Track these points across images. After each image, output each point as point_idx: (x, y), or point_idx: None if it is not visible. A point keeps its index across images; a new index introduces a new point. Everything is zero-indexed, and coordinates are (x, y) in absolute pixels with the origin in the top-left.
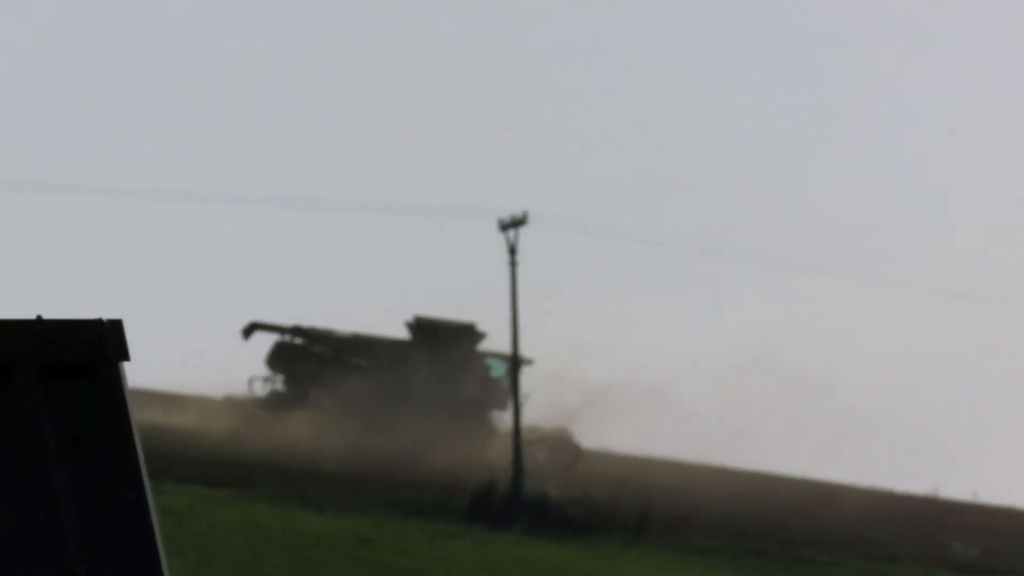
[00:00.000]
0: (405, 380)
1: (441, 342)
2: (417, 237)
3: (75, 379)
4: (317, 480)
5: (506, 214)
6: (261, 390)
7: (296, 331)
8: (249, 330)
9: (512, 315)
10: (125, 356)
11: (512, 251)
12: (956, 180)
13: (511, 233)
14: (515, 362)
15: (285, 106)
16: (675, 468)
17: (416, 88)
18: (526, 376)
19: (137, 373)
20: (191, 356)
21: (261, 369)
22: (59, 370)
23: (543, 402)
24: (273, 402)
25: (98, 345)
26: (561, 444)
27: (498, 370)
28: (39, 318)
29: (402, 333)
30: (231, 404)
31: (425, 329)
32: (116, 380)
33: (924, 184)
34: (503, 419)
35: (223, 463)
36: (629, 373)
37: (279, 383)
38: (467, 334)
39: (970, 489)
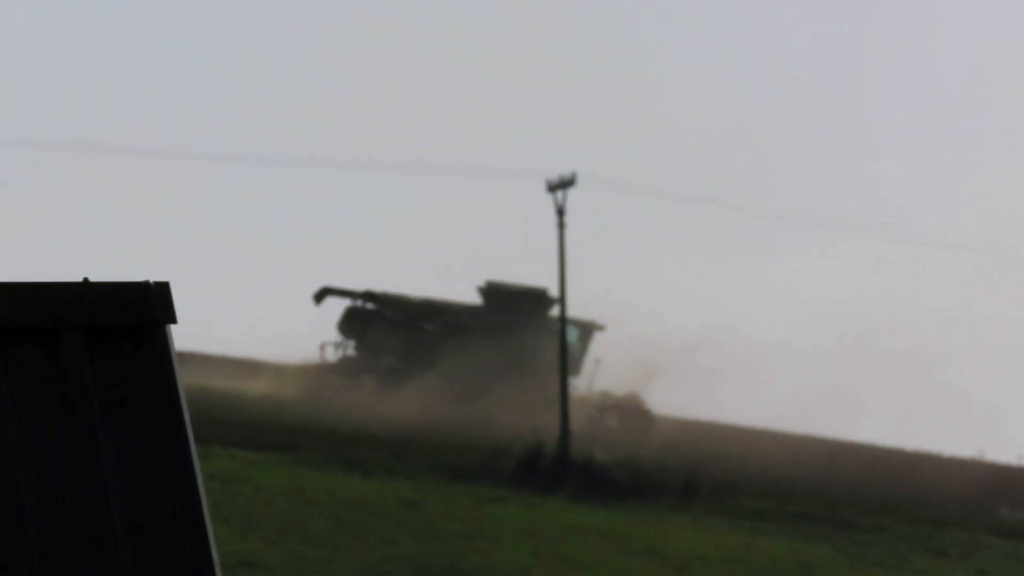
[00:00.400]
0: (478, 345)
1: (513, 307)
2: (466, 199)
3: (121, 341)
4: (363, 443)
5: (554, 175)
6: (333, 356)
7: (368, 296)
8: (321, 295)
9: (560, 277)
10: (172, 319)
11: (560, 212)
12: (994, 139)
13: (559, 194)
14: (563, 323)
15: (327, 67)
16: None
17: (459, 51)
18: (598, 341)
19: (212, 339)
20: (264, 322)
21: (333, 334)
22: (105, 332)
23: (616, 367)
24: (345, 368)
25: (145, 307)
26: (632, 411)
27: (571, 335)
28: (85, 280)
29: (473, 298)
30: (303, 370)
31: (497, 294)
32: (162, 343)
33: (962, 144)
34: (576, 385)
35: (268, 427)
36: (698, 336)
37: (351, 348)
38: (539, 299)
39: (1016, 453)
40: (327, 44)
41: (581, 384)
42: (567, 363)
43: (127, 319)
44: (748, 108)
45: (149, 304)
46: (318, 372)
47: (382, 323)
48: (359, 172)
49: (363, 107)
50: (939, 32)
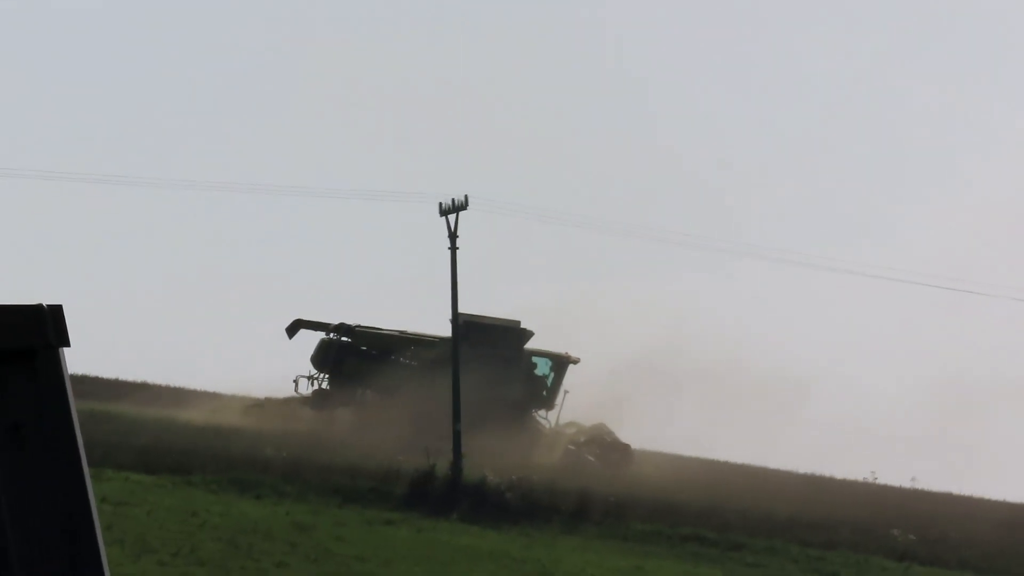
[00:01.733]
0: (450, 379)
1: (488, 340)
2: (364, 223)
3: (14, 364)
4: (255, 466)
5: (447, 198)
6: (305, 389)
7: (341, 329)
8: (294, 328)
9: (453, 300)
10: (65, 342)
11: (452, 236)
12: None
13: (451, 218)
14: (455, 352)
15: (241, 94)
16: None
17: (362, 77)
18: (570, 375)
19: (178, 374)
20: (230, 357)
21: (306, 368)
22: None
23: (582, 397)
24: (318, 400)
25: (39, 330)
26: (610, 444)
27: (543, 368)
28: None
29: (446, 330)
30: (276, 404)
31: (472, 327)
32: (56, 366)
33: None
34: (547, 418)
35: (160, 450)
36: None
37: (325, 381)
38: (514, 333)
39: (908, 476)
40: (233, 74)
41: (552, 416)
42: (458, 386)
43: (20, 342)
44: (634, 134)
45: (43, 327)
46: (289, 405)
47: (356, 356)
48: (252, 195)
49: (247, 132)
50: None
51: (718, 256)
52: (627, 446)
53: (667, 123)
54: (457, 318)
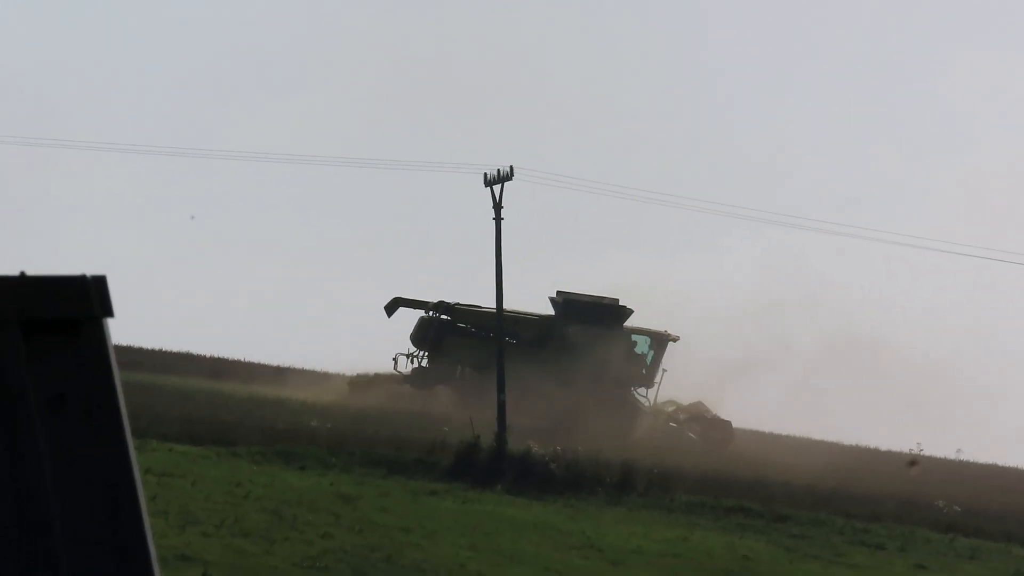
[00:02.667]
0: (551, 357)
1: (587, 318)
2: (409, 193)
3: (59, 335)
4: (300, 438)
5: (492, 169)
6: (406, 367)
7: (440, 307)
8: (392, 306)
9: (497, 271)
10: (109, 312)
11: (497, 207)
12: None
13: (496, 188)
14: (499, 320)
15: (272, 66)
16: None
17: (396, 49)
18: (669, 353)
19: (281, 352)
20: (334, 336)
21: (405, 346)
22: (43, 326)
23: (680, 375)
24: (418, 378)
25: (82, 301)
26: (712, 421)
27: (643, 346)
28: (22, 274)
29: (544, 308)
30: (375, 381)
31: (569, 305)
32: (100, 337)
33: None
34: (647, 396)
35: (206, 421)
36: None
37: (424, 359)
38: (613, 310)
39: (954, 447)
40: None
41: (650, 395)
42: (503, 357)
43: (65, 313)
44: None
45: (87, 298)
46: (391, 383)
47: (456, 334)
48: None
49: (293, 101)
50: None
51: (774, 227)
52: (728, 423)
53: (720, 91)
54: (501, 290)
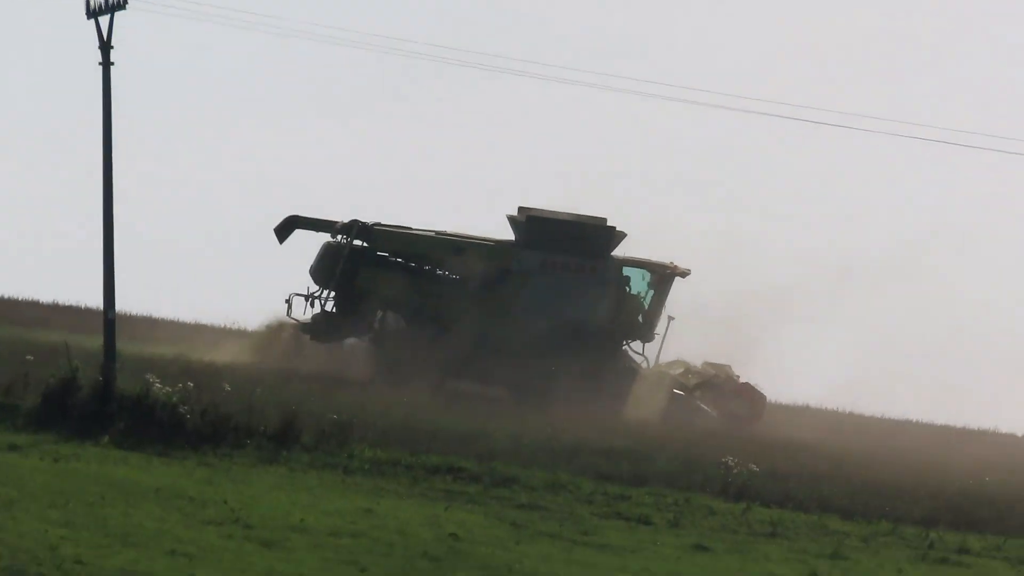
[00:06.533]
0: (511, 299)
1: (562, 244)
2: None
3: None
4: None
5: None
6: (303, 311)
7: (355, 228)
8: (286, 228)
9: (105, 144)
10: None
11: (106, 46)
12: None
13: (103, 20)
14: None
15: None
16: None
17: None
18: (676, 291)
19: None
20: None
21: (306, 282)
22: None
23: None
24: (319, 328)
25: None
26: (737, 390)
27: (639, 283)
28: None
29: (503, 231)
30: (263, 334)
31: (538, 226)
32: None
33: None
34: (644, 354)
35: None
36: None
37: (329, 301)
38: (599, 233)
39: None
40: None
41: (651, 351)
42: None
43: None
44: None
45: None
46: (278, 333)
47: (375, 265)
48: None
49: None
50: None
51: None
52: (760, 394)
53: None
54: (111, 174)
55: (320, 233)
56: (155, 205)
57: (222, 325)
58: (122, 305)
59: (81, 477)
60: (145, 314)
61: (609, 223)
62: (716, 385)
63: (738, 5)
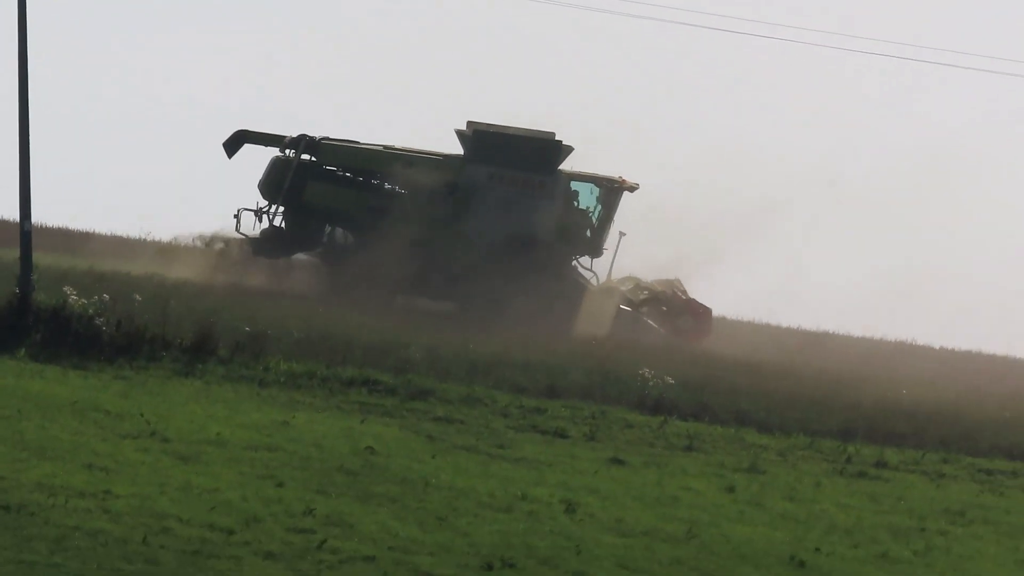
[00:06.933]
0: (456, 212)
1: (510, 159)
2: None
3: None
4: None
5: None
6: (253, 227)
7: (302, 142)
8: (235, 143)
9: (20, 35)
10: None
11: None
12: None
13: None
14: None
15: None
16: None
17: None
18: (624, 207)
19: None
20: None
21: (255, 198)
22: None
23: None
24: (266, 244)
25: None
26: (683, 305)
27: (587, 198)
28: None
29: (451, 145)
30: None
31: (486, 140)
32: None
33: None
34: (592, 270)
35: None
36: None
37: (277, 216)
38: (546, 147)
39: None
40: None
41: (602, 266)
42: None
43: None
44: None
45: None
46: (225, 250)
47: (324, 180)
48: None
49: None
50: None
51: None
52: (707, 309)
53: None
54: (27, 90)
55: (270, 148)
56: (84, 118)
57: (160, 239)
58: (58, 219)
59: None
60: (84, 229)
61: (557, 138)
62: (663, 301)
63: None
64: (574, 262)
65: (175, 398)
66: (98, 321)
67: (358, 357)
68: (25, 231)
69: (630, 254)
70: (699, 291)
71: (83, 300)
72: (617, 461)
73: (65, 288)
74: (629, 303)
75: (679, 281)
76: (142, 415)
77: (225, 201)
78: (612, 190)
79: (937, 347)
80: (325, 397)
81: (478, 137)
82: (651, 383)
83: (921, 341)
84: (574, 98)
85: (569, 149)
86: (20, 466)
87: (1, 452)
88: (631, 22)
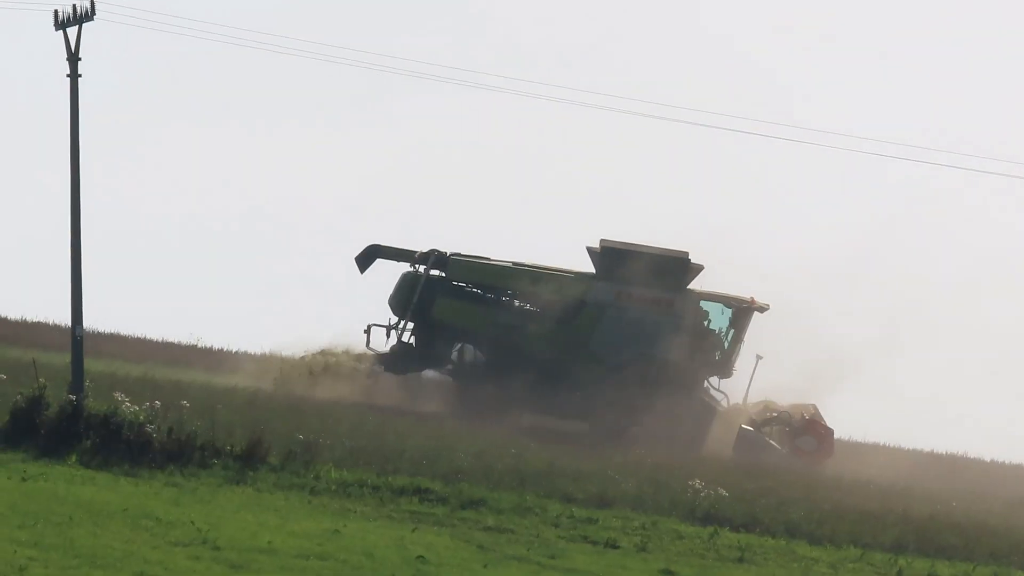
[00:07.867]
0: (585, 329)
1: (641, 276)
2: None
3: None
4: None
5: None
6: (383, 342)
7: (433, 258)
8: (367, 257)
9: (72, 157)
10: None
11: (74, 58)
12: None
13: (71, 32)
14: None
15: None
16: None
17: None
18: (756, 327)
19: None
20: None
21: (385, 313)
22: None
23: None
24: (394, 359)
25: None
26: (804, 425)
27: (718, 319)
28: None
29: (584, 263)
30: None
31: (615, 257)
32: None
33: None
34: (722, 391)
35: None
36: None
37: (407, 331)
38: (677, 266)
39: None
40: None
41: (733, 387)
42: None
43: None
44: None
45: None
46: (353, 364)
47: (453, 296)
48: None
49: None
50: None
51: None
52: (829, 429)
53: None
54: (78, 190)
55: (401, 263)
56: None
57: (231, 349)
58: (106, 324)
59: (49, 497)
60: (136, 335)
61: (690, 258)
62: (786, 421)
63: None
64: (705, 383)
65: (226, 506)
66: (149, 428)
67: (409, 463)
68: (77, 336)
69: (766, 378)
70: (833, 414)
71: (134, 407)
72: (668, 573)
73: (115, 394)
74: (752, 423)
75: (815, 407)
76: (193, 523)
77: (330, 316)
78: (743, 310)
79: (988, 459)
80: (376, 506)
81: (607, 254)
82: (701, 493)
83: (972, 454)
84: (710, 219)
85: (699, 268)
86: (72, 574)
87: (53, 559)
88: (770, 143)
